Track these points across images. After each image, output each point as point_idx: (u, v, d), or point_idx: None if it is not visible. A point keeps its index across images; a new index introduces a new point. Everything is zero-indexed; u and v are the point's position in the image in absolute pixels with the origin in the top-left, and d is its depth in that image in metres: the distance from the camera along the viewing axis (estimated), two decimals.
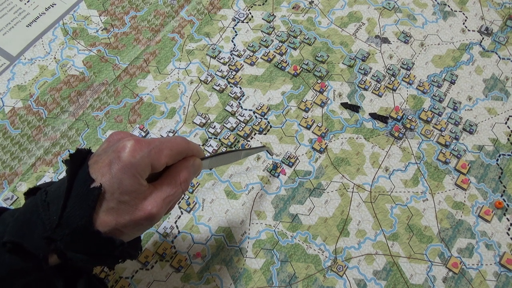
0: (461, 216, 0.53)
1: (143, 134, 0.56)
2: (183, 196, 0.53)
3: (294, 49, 0.62)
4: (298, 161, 0.55)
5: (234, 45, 0.62)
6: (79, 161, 0.33)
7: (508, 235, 0.52)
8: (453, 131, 0.57)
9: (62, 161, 0.45)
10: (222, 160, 0.43)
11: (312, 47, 0.62)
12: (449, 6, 0.66)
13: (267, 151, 0.53)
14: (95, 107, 0.58)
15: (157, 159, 0.33)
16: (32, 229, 0.31)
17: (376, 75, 0.60)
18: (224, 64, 0.61)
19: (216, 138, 0.56)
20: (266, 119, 0.57)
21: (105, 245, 0.32)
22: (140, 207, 0.32)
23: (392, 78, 0.60)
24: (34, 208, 0.32)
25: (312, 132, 0.57)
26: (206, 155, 0.40)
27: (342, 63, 0.61)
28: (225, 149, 0.56)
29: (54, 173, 0.54)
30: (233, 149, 0.54)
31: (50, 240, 0.30)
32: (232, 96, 0.59)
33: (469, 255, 0.51)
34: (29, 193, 0.34)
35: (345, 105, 0.59)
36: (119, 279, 0.49)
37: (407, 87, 0.60)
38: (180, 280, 0.49)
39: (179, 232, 0.51)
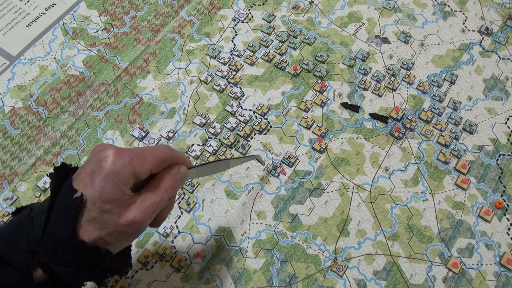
0: (461, 216, 0.53)
1: (143, 134, 0.56)
2: (182, 196, 0.53)
3: (294, 49, 0.62)
4: (298, 161, 0.55)
5: (234, 45, 0.62)
6: (63, 174, 0.33)
7: (508, 235, 0.52)
8: (453, 131, 0.57)
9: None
10: (210, 169, 0.43)
11: (312, 47, 0.62)
12: (449, 6, 0.66)
13: (257, 160, 0.52)
14: (95, 107, 0.58)
15: (140, 166, 0.33)
16: (16, 243, 0.30)
17: (376, 75, 0.60)
18: (224, 64, 0.61)
19: (216, 138, 0.56)
20: (266, 119, 0.57)
21: (90, 255, 0.31)
22: (123, 215, 0.32)
23: (392, 78, 0.60)
24: (18, 223, 0.31)
25: (312, 132, 0.57)
26: (194, 164, 0.39)
27: (342, 63, 0.61)
28: (224, 150, 0.56)
29: None
30: (222, 158, 0.54)
31: (34, 253, 0.30)
32: (232, 96, 0.59)
33: (469, 255, 0.51)
34: (17, 212, 0.34)
35: (345, 105, 0.59)
36: (119, 279, 0.49)
37: (407, 87, 0.60)
38: (180, 280, 0.49)
39: (179, 232, 0.51)
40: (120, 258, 0.36)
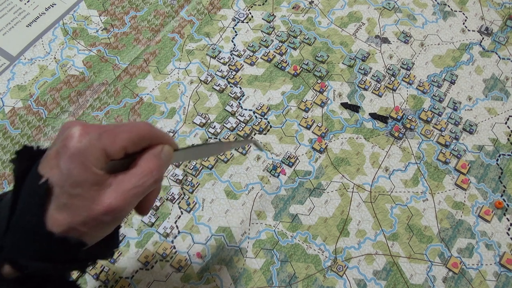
0: (461, 216, 0.53)
1: None
2: (182, 196, 0.53)
3: (294, 49, 0.62)
4: (298, 161, 0.55)
5: (234, 45, 0.62)
6: (28, 159, 0.29)
7: (508, 235, 0.52)
8: (453, 131, 0.57)
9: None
10: (200, 152, 0.38)
11: (312, 47, 0.62)
12: (449, 6, 0.66)
13: (255, 144, 0.48)
14: (95, 107, 0.58)
15: (111, 143, 0.29)
16: None
17: (376, 75, 0.60)
18: (224, 64, 0.61)
19: (216, 138, 0.56)
20: (266, 119, 0.57)
21: (61, 247, 0.28)
22: (98, 200, 0.28)
23: (392, 78, 0.60)
24: None
25: (312, 132, 0.57)
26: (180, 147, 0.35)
27: (342, 63, 0.61)
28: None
29: None
30: (214, 141, 0.50)
31: (0, 248, 0.27)
32: (232, 96, 0.59)
33: (469, 255, 0.51)
34: None
35: (345, 105, 0.59)
36: (119, 279, 0.49)
37: (407, 87, 0.60)
38: (180, 280, 0.49)
39: (179, 232, 0.51)
40: (103, 244, 0.31)
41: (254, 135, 0.56)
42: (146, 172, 0.30)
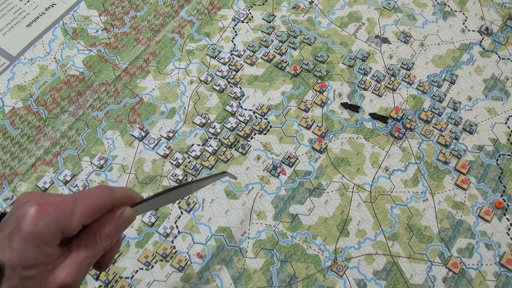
0: (461, 216, 0.53)
1: (143, 134, 0.56)
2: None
3: (294, 49, 0.62)
4: (298, 161, 0.55)
5: (234, 45, 0.62)
6: None
7: (508, 235, 0.52)
8: (453, 131, 0.57)
9: None
10: (168, 198, 0.35)
11: (312, 47, 0.62)
12: (449, 6, 0.66)
13: (228, 176, 0.45)
14: (95, 107, 0.58)
15: (68, 222, 0.28)
16: None
17: (376, 75, 0.60)
18: (224, 64, 0.61)
19: (216, 138, 0.56)
20: (266, 119, 0.57)
21: None
22: (50, 279, 0.28)
23: (392, 78, 0.60)
24: None
25: (312, 132, 0.57)
26: (146, 197, 0.34)
27: (342, 63, 0.61)
28: (224, 149, 0.55)
29: (54, 173, 0.54)
30: (183, 183, 0.47)
31: None
32: (232, 96, 0.59)
33: (469, 255, 0.51)
34: None
35: (345, 105, 0.59)
36: (119, 279, 0.49)
37: (407, 87, 0.60)
38: (180, 280, 0.49)
39: (179, 232, 0.51)
40: None
41: (254, 135, 0.56)
42: (98, 242, 0.30)
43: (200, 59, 0.61)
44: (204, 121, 0.57)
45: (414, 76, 0.60)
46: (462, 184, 0.54)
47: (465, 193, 0.54)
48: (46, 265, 0.28)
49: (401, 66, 0.61)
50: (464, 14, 0.65)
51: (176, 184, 0.44)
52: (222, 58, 0.61)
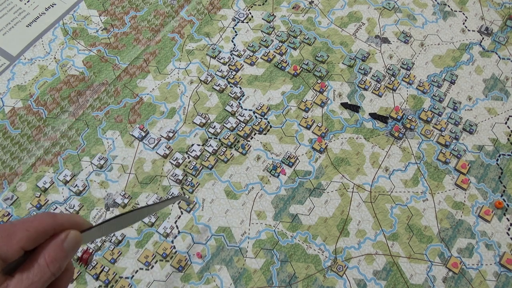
0: (461, 216, 0.53)
1: (143, 134, 0.56)
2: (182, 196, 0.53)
3: (294, 49, 0.62)
4: (298, 161, 0.55)
5: (234, 45, 0.62)
6: None
7: (508, 235, 0.52)
8: (453, 131, 0.57)
9: None
10: (119, 223, 0.34)
11: (312, 47, 0.62)
12: (449, 6, 0.66)
13: (183, 200, 0.46)
14: (95, 107, 0.58)
15: (6, 245, 0.27)
16: None
17: (376, 75, 0.60)
18: (224, 64, 0.61)
19: (216, 138, 0.56)
20: (266, 119, 0.57)
21: None
22: None
23: (392, 78, 0.60)
24: None
25: (312, 132, 0.57)
26: (97, 222, 0.32)
27: (342, 63, 0.61)
28: (224, 150, 0.55)
29: (54, 173, 0.54)
30: (134, 208, 0.47)
31: None
32: (232, 96, 0.59)
33: (469, 255, 0.51)
34: None
35: (345, 105, 0.59)
36: (119, 279, 0.49)
37: (407, 87, 0.60)
38: (180, 280, 0.49)
39: (179, 232, 0.51)
40: None
41: (254, 135, 0.56)
42: (43, 267, 0.29)
43: (200, 59, 0.61)
44: (204, 121, 0.57)
45: (414, 76, 0.60)
46: (462, 184, 0.54)
47: (465, 193, 0.54)
48: None
49: (401, 66, 0.61)
50: (464, 14, 0.65)
51: (130, 209, 0.44)
52: (222, 58, 0.61)
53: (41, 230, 0.29)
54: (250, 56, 0.61)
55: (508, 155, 0.56)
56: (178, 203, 0.52)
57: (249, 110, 0.58)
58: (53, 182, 0.53)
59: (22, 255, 0.28)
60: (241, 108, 0.58)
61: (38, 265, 0.28)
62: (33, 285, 0.28)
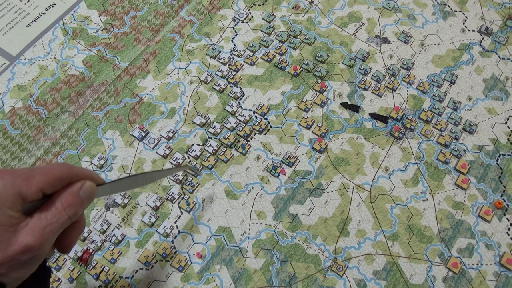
0: (461, 216, 0.53)
1: (143, 134, 0.56)
2: (182, 196, 0.53)
3: (294, 49, 0.62)
4: (298, 161, 0.55)
5: (234, 45, 0.62)
6: None
7: (508, 235, 0.52)
8: (453, 131, 0.57)
9: None
10: (131, 183, 0.38)
11: (312, 47, 0.62)
12: (449, 6, 0.66)
13: (191, 169, 0.50)
14: (95, 107, 0.58)
15: (27, 186, 0.30)
16: None
17: (376, 75, 0.60)
18: (224, 64, 0.61)
19: (216, 138, 0.56)
20: (266, 119, 0.57)
21: None
22: (13, 241, 0.29)
23: (392, 78, 0.60)
24: None
25: (312, 132, 0.57)
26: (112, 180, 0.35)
27: (342, 63, 0.61)
28: (224, 149, 0.55)
29: None
30: (146, 171, 0.50)
31: None
32: (232, 96, 0.59)
33: (469, 255, 0.51)
34: None
35: (345, 105, 0.59)
36: (119, 279, 0.49)
37: (407, 87, 0.60)
38: (180, 280, 0.49)
39: (179, 232, 0.51)
40: (35, 277, 0.32)
41: (254, 135, 0.56)
42: (60, 210, 0.31)
43: (200, 59, 0.61)
44: (204, 121, 0.57)
45: (414, 76, 0.60)
46: (462, 184, 0.54)
47: (465, 193, 0.54)
48: (8, 227, 0.29)
49: (401, 66, 0.61)
50: (464, 14, 0.65)
51: (134, 174, 0.48)
52: (222, 58, 0.61)
53: (58, 176, 0.32)
54: (250, 56, 0.61)
55: (508, 155, 0.56)
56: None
57: (249, 110, 0.58)
58: None
59: (41, 198, 0.31)
60: (241, 108, 0.58)
61: (56, 208, 0.31)
62: (51, 225, 0.30)
